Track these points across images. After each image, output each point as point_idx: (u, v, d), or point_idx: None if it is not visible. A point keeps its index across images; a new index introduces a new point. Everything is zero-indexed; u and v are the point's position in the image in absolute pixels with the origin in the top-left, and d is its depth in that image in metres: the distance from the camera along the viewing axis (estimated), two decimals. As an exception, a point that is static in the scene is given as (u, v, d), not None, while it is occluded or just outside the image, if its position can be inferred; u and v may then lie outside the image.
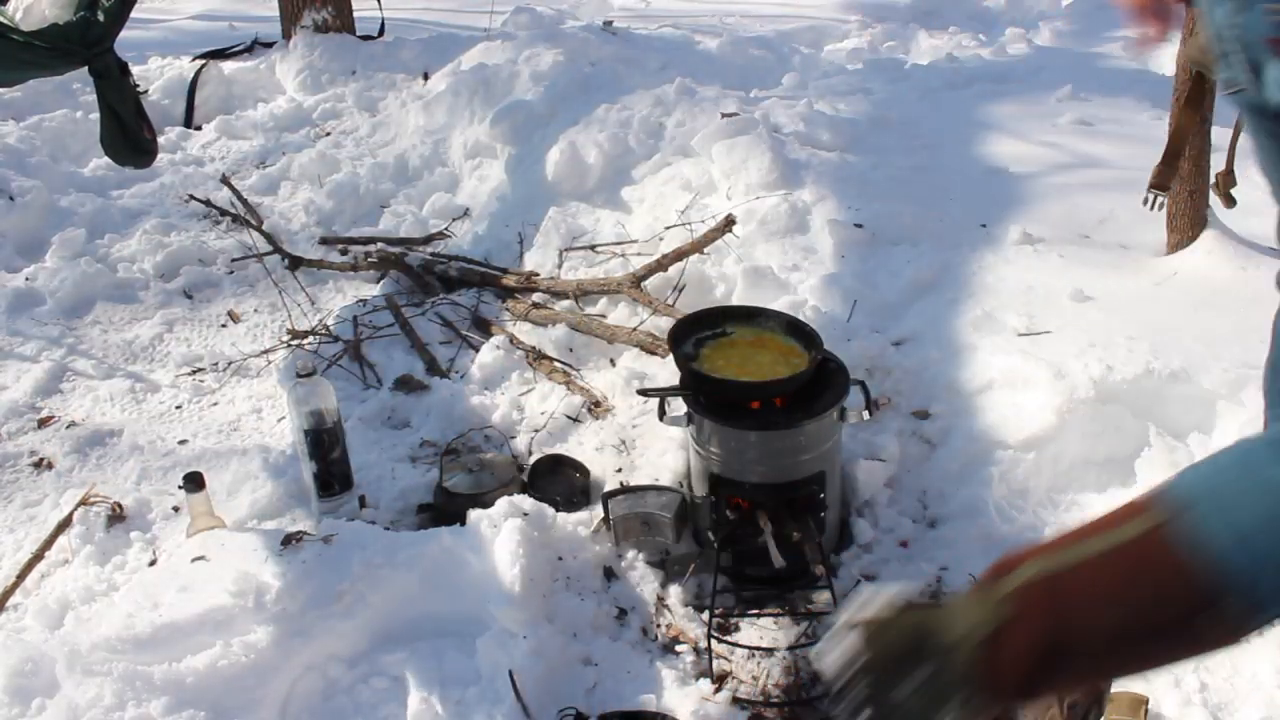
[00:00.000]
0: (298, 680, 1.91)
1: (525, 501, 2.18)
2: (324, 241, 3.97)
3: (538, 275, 3.38)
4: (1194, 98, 2.63)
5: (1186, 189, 2.86)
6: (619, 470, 2.52)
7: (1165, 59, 5.70)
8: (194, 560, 2.02)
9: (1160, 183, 2.63)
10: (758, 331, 2.32)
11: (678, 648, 2.06)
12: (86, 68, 3.03)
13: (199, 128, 5.15)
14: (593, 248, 3.43)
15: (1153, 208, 2.67)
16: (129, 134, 3.19)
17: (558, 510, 2.28)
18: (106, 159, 3.48)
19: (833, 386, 2.15)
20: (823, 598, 2.15)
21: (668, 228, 3.33)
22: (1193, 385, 2.33)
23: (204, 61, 5.53)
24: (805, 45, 6.30)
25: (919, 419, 2.52)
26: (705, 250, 3.07)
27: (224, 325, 3.49)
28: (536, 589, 2.00)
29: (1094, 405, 2.35)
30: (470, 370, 2.96)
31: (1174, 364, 2.37)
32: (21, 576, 2.33)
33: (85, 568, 2.35)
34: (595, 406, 2.76)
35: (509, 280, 3.36)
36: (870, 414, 2.22)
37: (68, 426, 2.94)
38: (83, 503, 2.51)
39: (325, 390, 2.38)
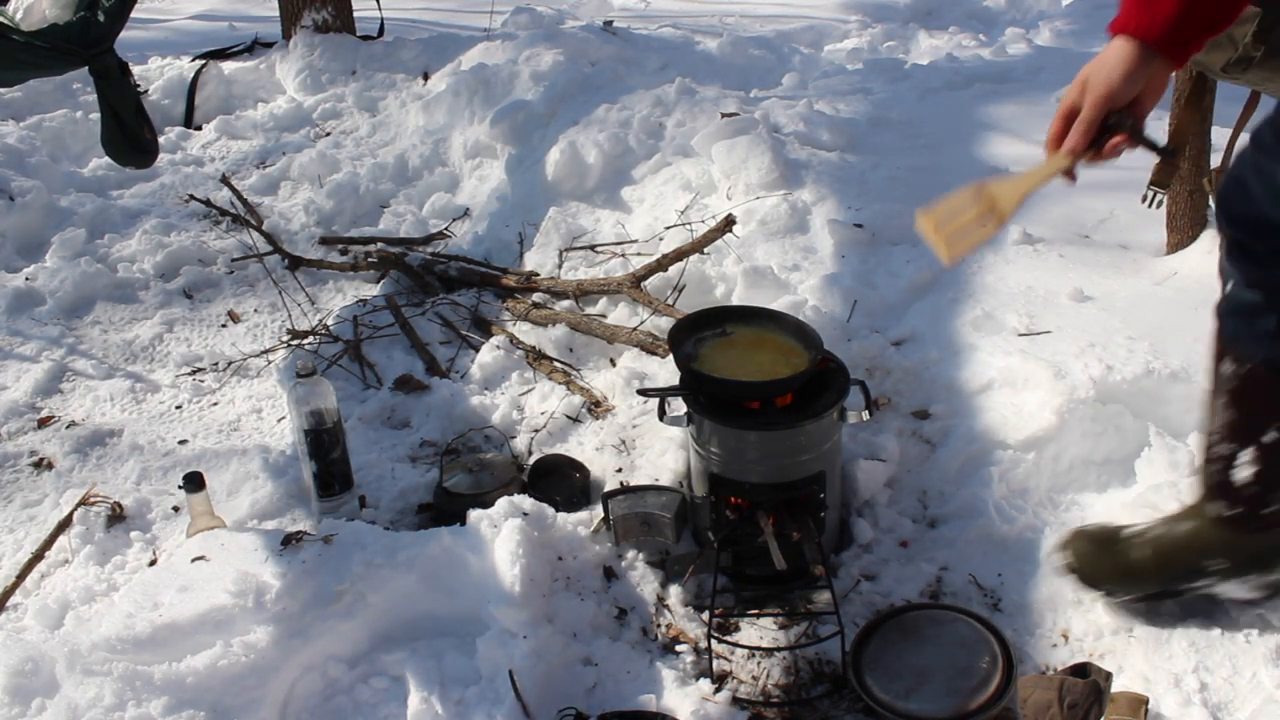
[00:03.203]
0: (298, 680, 1.91)
1: (525, 501, 2.18)
2: (324, 241, 3.97)
3: (538, 275, 3.38)
4: (1193, 97, 2.63)
5: (1186, 189, 2.85)
6: (619, 470, 2.52)
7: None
8: (194, 560, 2.02)
9: (1160, 180, 2.63)
10: (758, 331, 2.32)
11: (678, 648, 2.06)
12: (87, 68, 3.04)
13: (199, 128, 5.15)
14: (593, 248, 3.43)
15: (1152, 205, 2.68)
16: (129, 134, 3.20)
17: (558, 510, 2.28)
18: (106, 159, 3.49)
19: (833, 386, 2.15)
20: (823, 598, 2.15)
21: (668, 228, 3.33)
22: (1193, 385, 2.33)
23: (204, 61, 5.54)
24: (805, 45, 6.30)
25: (919, 419, 2.52)
26: (705, 250, 3.07)
27: (224, 325, 3.49)
28: (536, 589, 2.00)
29: (1094, 405, 2.35)
30: (470, 370, 2.96)
31: (1174, 364, 2.37)
32: (21, 576, 2.33)
33: (85, 568, 2.35)
34: (595, 406, 2.76)
35: (509, 280, 3.36)
36: (870, 414, 2.22)
37: (68, 426, 2.94)
38: (83, 503, 2.51)
39: (325, 390, 2.38)
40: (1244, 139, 1.63)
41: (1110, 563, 1.97)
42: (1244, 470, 1.78)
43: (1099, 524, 2.05)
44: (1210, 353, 1.81)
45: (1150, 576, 1.95)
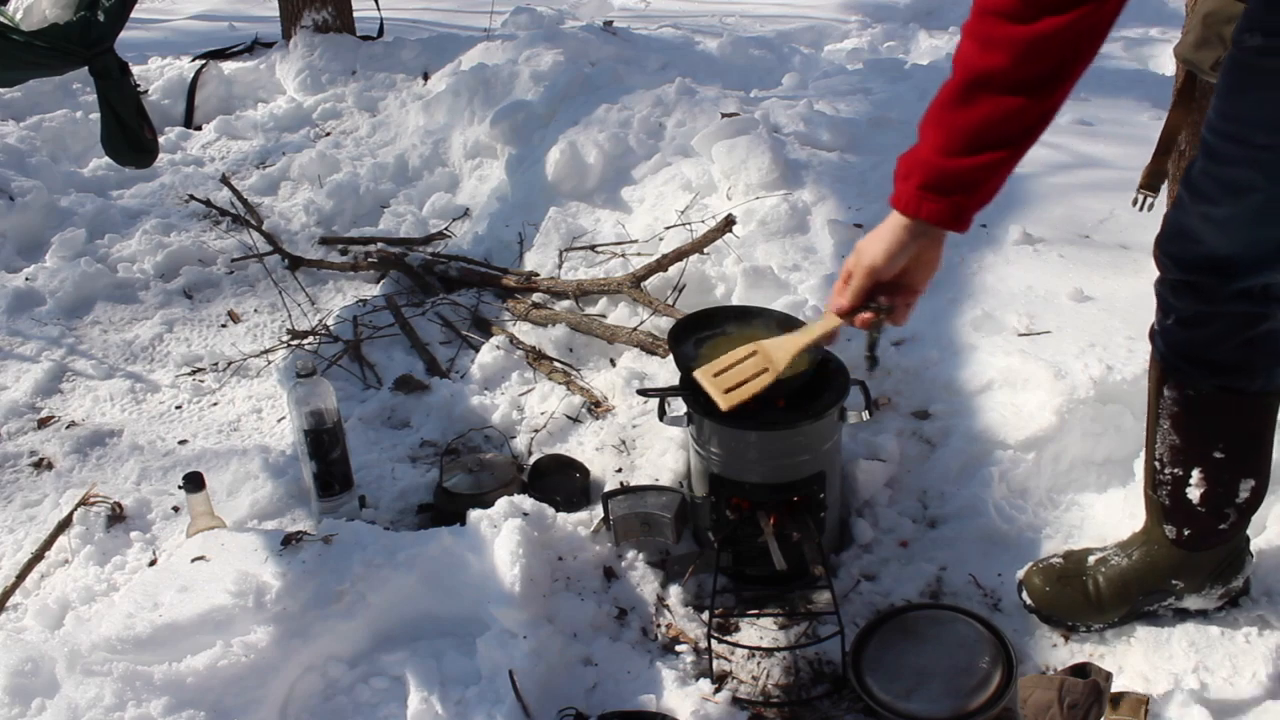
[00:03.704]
0: (298, 680, 1.91)
1: (525, 501, 2.18)
2: (324, 241, 3.97)
3: (538, 275, 3.38)
4: (1184, 96, 2.64)
5: (1186, 189, 2.86)
6: (619, 470, 2.52)
7: (1165, 59, 5.70)
8: (194, 560, 2.02)
9: (1150, 183, 2.63)
10: (758, 331, 2.31)
11: (678, 648, 2.06)
12: (87, 68, 3.04)
13: (199, 128, 5.15)
14: (593, 248, 3.43)
15: (1142, 208, 2.68)
16: (129, 134, 3.20)
17: (558, 510, 2.28)
18: (106, 159, 3.49)
19: (833, 386, 2.15)
20: (823, 598, 2.15)
21: (668, 228, 3.33)
22: (1193, 385, 2.33)
23: (204, 61, 5.54)
24: (805, 45, 6.29)
25: (919, 419, 2.52)
26: (705, 250, 3.07)
27: (224, 325, 3.49)
28: (536, 589, 2.00)
29: (1094, 405, 2.35)
30: (470, 370, 2.96)
31: (1174, 364, 2.37)
32: (21, 576, 2.33)
33: (85, 568, 2.35)
34: (595, 406, 2.76)
35: (509, 280, 3.36)
36: (870, 414, 2.22)
37: (68, 426, 2.94)
38: (83, 503, 2.51)
39: (325, 390, 2.38)
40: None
41: (1071, 597, 1.99)
42: (1195, 491, 1.82)
43: (1050, 560, 2.06)
44: (1150, 380, 1.85)
45: (1115, 604, 1.97)
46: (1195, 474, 1.81)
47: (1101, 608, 1.97)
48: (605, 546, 2.27)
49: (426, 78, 5.25)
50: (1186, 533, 1.88)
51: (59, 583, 2.32)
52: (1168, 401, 1.80)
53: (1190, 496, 1.83)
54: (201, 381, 3.13)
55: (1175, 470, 1.83)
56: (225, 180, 4.36)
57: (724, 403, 1.68)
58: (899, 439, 2.46)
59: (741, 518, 2.17)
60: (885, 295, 1.56)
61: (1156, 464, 1.87)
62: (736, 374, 1.70)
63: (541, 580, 2.04)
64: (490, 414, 2.78)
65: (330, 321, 3.34)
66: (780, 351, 1.70)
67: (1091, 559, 2.01)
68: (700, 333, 2.31)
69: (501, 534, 2.05)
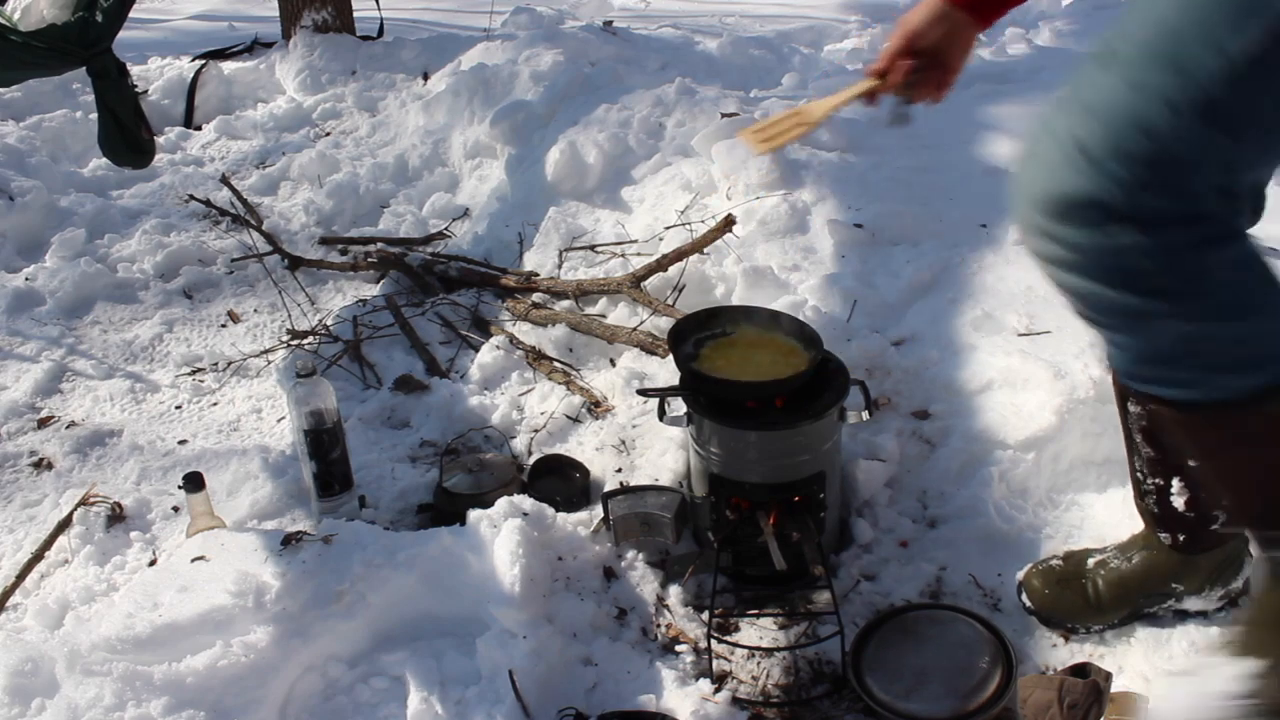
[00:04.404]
0: (298, 680, 1.91)
1: (525, 501, 2.18)
2: (324, 241, 3.97)
3: (538, 275, 3.38)
4: None
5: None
6: (619, 470, 2.52)
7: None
8: (194, 560, 2.02)
9: None
10: (758, 331, 2.32)
11: (678, 648, 2.06)
12: (85, 68, 3.04)
13: (199, 128, 5.15)
14: (593, 248, 3.43)
15: None
16: (127, 134, 3.20)
17: (558, 510, 2.28)
18: (106, 159, 3.49)
19: (833, 386, 2.15)
20: (823, 598, 2.15)
21: (668, 228, 3.33)
22: (1193, 385, 2.33)
23: (204, 61, 5.54)
24: (805, 45, 6.29)
25: (919, 419, 2.52)
26: (705, 250, 3.07)
27: (224, 325, 3.49)
28: (536, 589, 2.00)
29: (1094, 405, 2.35)
30: (470, 370, 2.96)
31: (1174, 364, 2.37)
32: (21, 576, 2.33)
33: (85, 568, 2.35)
34: (595, 406, 2.76)
35: (509, 280, 3.36)
36: (870, 414, 2.22)
37: (68, 426, 2.94)
38: (83, 503, 2.51)
39: (325, 390, 2.38)
40: None
41: (1071, 600, 2.00)
42: (1178, 498, 1.84)
43: (1049, 561, 2.07)
44: (1116, 397, 1.86)
45: (1114, 606, 1.98)
46: (1175, 482, 1.83)
47: (1101, 610, 1.98)
48: (605, 546, 2.27)
49: (426, 78, 5.25)
50: (1181, 538, 1.89)
51: (59, 583, 2.32)
52: (1134, 417, 1.83)
53: (1175, 504, 1.84)
54: (201, 381, 3.13)
55: (1157, 480, 1.85)
56: (225, 180, 4.36)
57: (759, 148, 1.78)
58: (899, 439, 2.46)
59: (741, 518, 2.17)
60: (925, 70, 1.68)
61: (1139, 475, 1.89)
62: (773, 128, 1.80)
63: (541, 580, 2.04)
64: (490, 414, 2.78)
65: (330, 321, 3.34)
66: (818, 107, 1.79)
67: (1091, 561, 2.01)
68: (700, 333, 2.31)
69: (501, 534, 2.05)
